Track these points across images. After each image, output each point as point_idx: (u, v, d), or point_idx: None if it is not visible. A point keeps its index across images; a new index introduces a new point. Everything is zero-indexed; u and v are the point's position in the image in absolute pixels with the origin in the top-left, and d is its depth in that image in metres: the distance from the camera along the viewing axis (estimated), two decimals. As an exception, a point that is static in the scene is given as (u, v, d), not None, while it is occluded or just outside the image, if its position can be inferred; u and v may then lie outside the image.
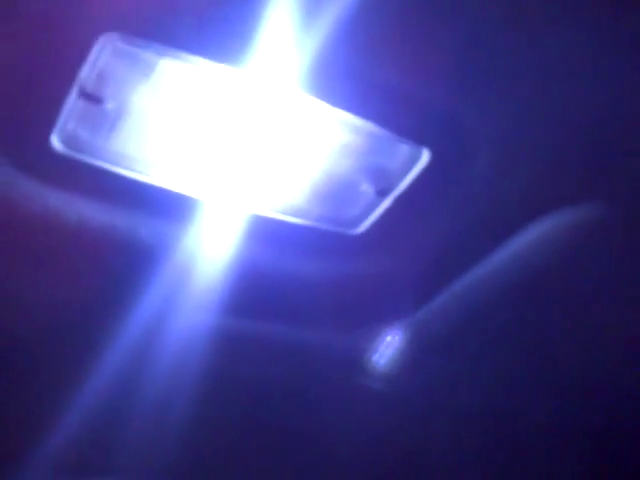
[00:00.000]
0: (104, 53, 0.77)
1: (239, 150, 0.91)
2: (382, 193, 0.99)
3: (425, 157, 0.94)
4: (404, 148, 0.94)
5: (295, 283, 1.05)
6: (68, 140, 0.85)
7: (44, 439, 1.13)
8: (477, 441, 1.39)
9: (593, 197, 1.02)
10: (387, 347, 1.19)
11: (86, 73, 0.79)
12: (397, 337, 1.18)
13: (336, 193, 0.98)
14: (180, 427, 1.20)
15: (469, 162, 0.96)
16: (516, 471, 1.46)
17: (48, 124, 0.83)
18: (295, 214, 0.99)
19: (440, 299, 1.14)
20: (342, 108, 0.88)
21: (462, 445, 1.39)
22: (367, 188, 0.99)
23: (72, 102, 0.81)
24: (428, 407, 1.33)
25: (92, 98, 0.82)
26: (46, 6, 0.73)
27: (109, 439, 1.19)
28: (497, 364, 1.28)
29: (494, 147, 0.94)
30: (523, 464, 1.46)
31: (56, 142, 0.85)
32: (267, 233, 1.00)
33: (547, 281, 1.14)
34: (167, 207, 0.94)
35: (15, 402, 1.12)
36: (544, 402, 1.35)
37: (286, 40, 0.78)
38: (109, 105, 0.83)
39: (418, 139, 0.93)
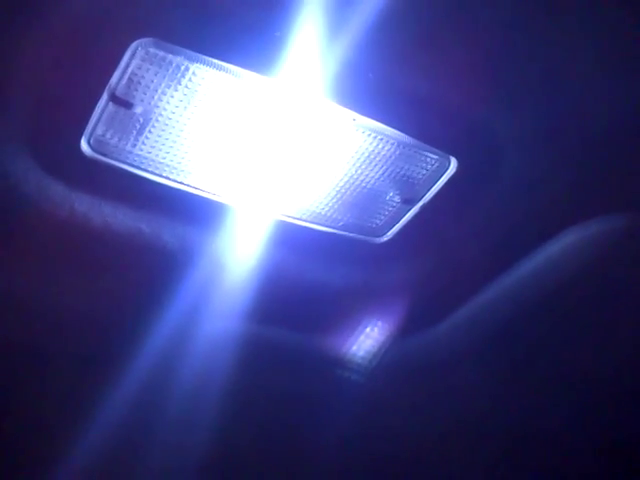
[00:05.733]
0: (135, 58, 0.78)
1: (266, 156, 0.91)
2: (408, 202, 0.99)
3: (453, 166, 0.94)
4: (432, 157, 0.94)
5: (319, 290, 1.04)
6: (97, 144, 0.86)
7: (69, 446, 1.13)
8: (483, 449, 1.39)
9: (620, 208, 1.02)
10: (409, 356, 1.19)
11: (117, 78, 0.79)
12: (420, 346, 1.18)
13: (362, 201, 0.98)
14: (205, 432, 1.20)
15: (496, 172, 0.95)
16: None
17: (78, 128, 0.83)
18: (321, 221, 0.99)
19: (463, 309, 1.14)
20: (370, 117, 0.88)
21: (466, 453, 1.38)
22: (393, 196, 0.98)
23: (102, 106, 0.82)
24: (448, 416, 1.33)
25: (122, 103, 0.82)
26: (79, 12, 0.74)
27: (135, 445, 1.19)
28: (520, 376, 1.27)
29: (522, 157, 0.94)
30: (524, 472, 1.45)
31: (85, 146, 0.85)
32: (293, 239, 1.00)
33: (571, 293, 1.13)
34: (193, 212, 0.94)
35: (41, 409, 1.13)
36: (555, 413, 1.34)
37: (315, 49, 0.78)
38: (139, 110, 0.83)
39: (446, 148, 0.92)
